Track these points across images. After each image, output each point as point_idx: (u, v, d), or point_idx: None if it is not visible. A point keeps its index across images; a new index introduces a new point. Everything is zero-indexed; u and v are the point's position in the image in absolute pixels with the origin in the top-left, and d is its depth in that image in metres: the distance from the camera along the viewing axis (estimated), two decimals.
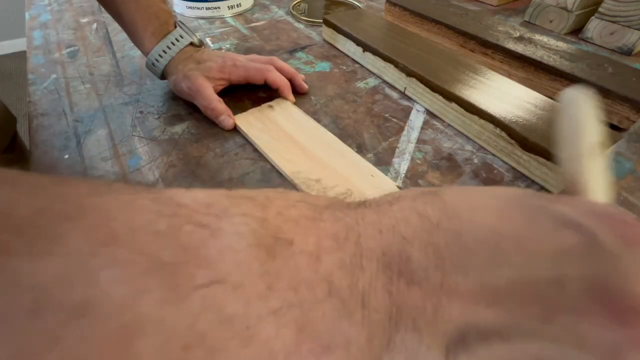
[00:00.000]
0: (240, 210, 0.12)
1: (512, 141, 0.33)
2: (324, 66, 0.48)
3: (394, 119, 0.40)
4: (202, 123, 0.38)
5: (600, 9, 0.53)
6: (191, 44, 0.40)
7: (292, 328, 0.10)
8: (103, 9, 0.41)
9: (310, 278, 0.11)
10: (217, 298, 0.10)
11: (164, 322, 0.09)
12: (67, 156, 0.33)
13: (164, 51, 0.38)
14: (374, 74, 0.47)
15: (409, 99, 0.43)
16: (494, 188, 0.15)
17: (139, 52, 0.46)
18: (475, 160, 0.35)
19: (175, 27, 0.39)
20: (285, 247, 0.11)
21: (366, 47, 0.47)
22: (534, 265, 0.11)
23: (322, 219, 0.13)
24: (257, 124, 0.37)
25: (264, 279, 0.10)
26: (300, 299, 0.11)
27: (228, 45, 0.53)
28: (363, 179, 0.31)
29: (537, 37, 0.48)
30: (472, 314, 0.11)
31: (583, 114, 0.14)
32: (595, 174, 0.14)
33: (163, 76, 0.41)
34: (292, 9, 0.64)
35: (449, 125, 0.39)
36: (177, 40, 0.39)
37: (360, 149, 0.35)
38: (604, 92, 0.39)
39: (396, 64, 0.43)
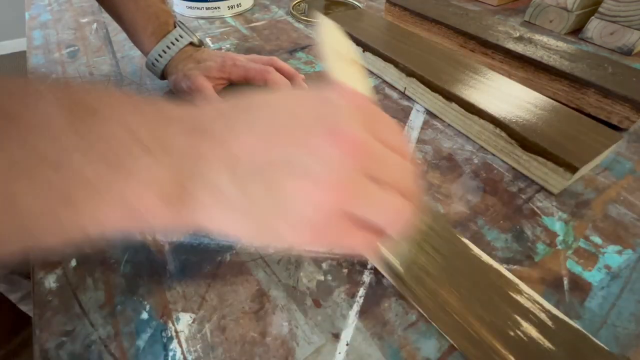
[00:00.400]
0: (56, 95, 0.15)
1: (512, 141, 0.33)
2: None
3: (394, 119, 0.40)
4: None
5: (600, 9, 0.53)
6: (191, 43, 0.40)
7: (103, 164, 0.14)
8: (103, 9, 0.41)
9: (115, 130, 0.15)
10: (34, 144, 0.13)
11: None
12: None
13: (163, 51, 0.38)
14: (374, 74, 0.47)
15: (409, 99, 0.43)
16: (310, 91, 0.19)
17: (139, 52, 0.46)
18: (475, 160, 0.35)
19: (175, 27, 0.39)
20: (90, 111, 0.15)
21: (366, 47, 0.47)
22: (299, 122, 0.16)
23: (130, 96, 0.17)
24: None
25: (73, 130, 0.14)
26: (109, 144, 0.14)
27: (228, 45, 0.53)
28: None
29: (537, 37, 0.48)
30: (251, 149, 0.16)
31: (337, 37, 0.23)
32: (349, 73, 0.21)
33: (163, 76, 0.40)
34: (292, 9, 0.64)
35: (449, 125, 0.39)
36: (177, 40, 0.39)
37: None
38: (604, 92, 0.39)
39: (396, 64, 0.43)
